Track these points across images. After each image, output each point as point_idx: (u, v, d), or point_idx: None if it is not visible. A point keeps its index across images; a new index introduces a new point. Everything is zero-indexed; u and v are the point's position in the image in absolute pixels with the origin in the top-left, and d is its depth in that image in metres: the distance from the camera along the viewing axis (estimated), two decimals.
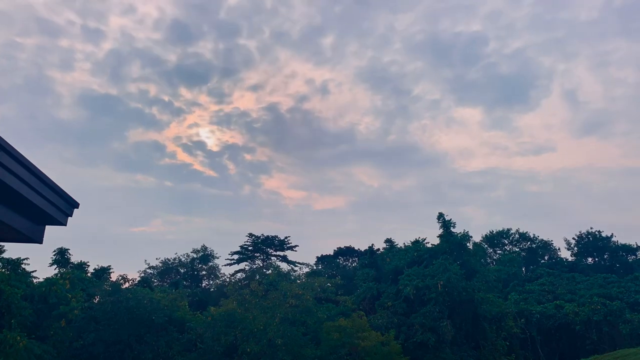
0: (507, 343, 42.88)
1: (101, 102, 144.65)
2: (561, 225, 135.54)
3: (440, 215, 46.57)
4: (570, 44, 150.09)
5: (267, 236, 70.53)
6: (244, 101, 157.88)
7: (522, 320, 46.13)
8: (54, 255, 51.56)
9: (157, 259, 76.62)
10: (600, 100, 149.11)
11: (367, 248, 56.30)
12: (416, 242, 50.66)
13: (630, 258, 75.43)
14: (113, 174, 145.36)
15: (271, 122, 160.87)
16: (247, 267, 68.01)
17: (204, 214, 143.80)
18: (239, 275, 65.75)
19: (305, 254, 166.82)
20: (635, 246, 75.86)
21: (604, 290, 53.13)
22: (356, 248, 76.23)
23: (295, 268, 66.61)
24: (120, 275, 42.55)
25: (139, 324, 35.67)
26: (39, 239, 5.18)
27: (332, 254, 77.06)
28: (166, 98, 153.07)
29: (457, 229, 46.35)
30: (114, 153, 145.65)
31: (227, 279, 66.07)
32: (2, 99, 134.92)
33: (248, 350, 32.41)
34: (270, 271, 54.60)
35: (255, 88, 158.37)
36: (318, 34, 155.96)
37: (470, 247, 47.04)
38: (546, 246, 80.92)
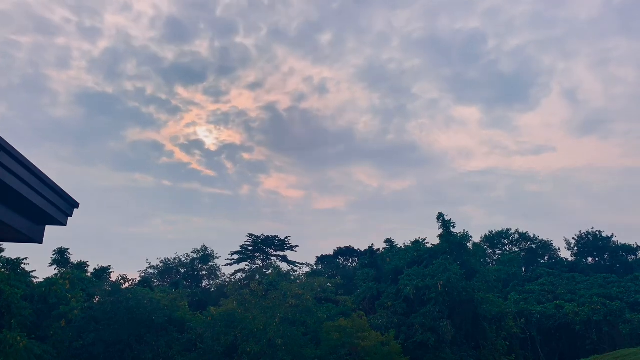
0: (507, 343, 42.88)
1: (98, 101, 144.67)
2: (561, 225, 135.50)
3: (440, 215, 46.57)
4: (570, 42, 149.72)
5: (267, 236, 70.57)
6: (241, 100, 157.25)
7: (522, 320, 46.13)
8: (54, 255, 51.59)
9: (157, 258, 76.73)
10: (600, 99, 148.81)
11: (367, 248, 56.33)
12: (416, 242, 50.67)
13: (630, 258, 75.44)
14: (111, 173, 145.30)
15: (269, 121, 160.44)
16: (247, 267, 68.12)
17: (203, 213, 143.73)
18: (239, 275, 65.82)
19: (305, 254, 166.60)
20: (635, 246, 75.89)
21: (604, 290, 53.14)
22: (356, 248, 76.28)
23: (295, 268, 66.66)
24: (120, 275, 42.56)
25: (139, 324, 35.66)
26: (39, 239, 5.18)
27: (332, 254, 77.07)
28: (163, 96, 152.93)
29: (457, 229, 46.41)
30: (111, 152, 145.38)
31: (227, 279, 66.11)
32: (0, 97, 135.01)
33: (248, 350, 32.41)
34: (270, 271, 54.60)
35: (253, 86, 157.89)
36: (316, 31, 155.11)
37: (470, 247, 47.02)
38: (546, 246, 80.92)
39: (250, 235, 70.49)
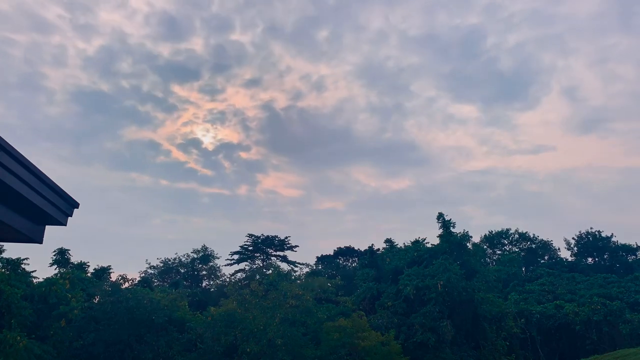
0: (507, 343, 42.88)
1: (94, 99, 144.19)
2: (561, 225, 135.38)
3: (440, 215, 46.57)
4: (570, 39, 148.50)
5: (267, 236, 70.60)
6: (238, 98, 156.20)
7: (522, 320, 46.13)
8: (54, 255, 51.61)
9: (157, 258, 76.82)
10: (600, 97, 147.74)
11: (367, 248, 56.33)
12: (416, 242, 50.67)
13: (630, 258, 75.47)
14: (107, 172, 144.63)
15: (266, 120, 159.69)
16: (247, 267, 68.13)
17: (202, 213, 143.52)
18: (239, 275, 65.81)
19: (305, 254, 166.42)
20: (635, 246, 75.91)
21: (604, 290, 53.15)
22: (356, 248, 76.32)
23: (296, 268, 66.70)
24: (120, 275, 42.53)
25: (139, 324, 35.66)
26: (39, 239, 5.18)
27: (332, 254, 77.10)
28: (159, 94, 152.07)
29: (457, 229, 46.41)
30: (107, 151, 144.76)
31: (227, 279, 66.11)
32: None
33: (248, 350, 32.41)
34: (270, 271, 54.61)
35: (249, 84, 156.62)
36: (313, 27, 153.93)
37: (470, 247, 47.01)
38: (546, 246, 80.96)
39: (250, 235, 70.58)
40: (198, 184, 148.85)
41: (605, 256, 78.39)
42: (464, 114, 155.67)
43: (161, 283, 66.45)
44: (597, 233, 79.43)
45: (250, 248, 70.35)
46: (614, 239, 78.24)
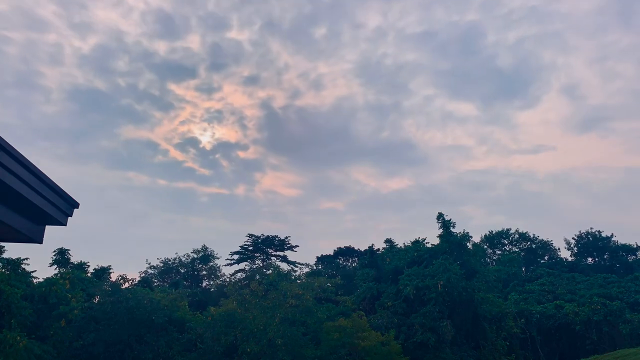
0: (507, 343, 42.88)
1: (90, 98, 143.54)
2: (561, 225, 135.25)
3: (440, 215, 46.56)
4: (570, 36, 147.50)
5: (267, 236, 70.61)
6: (236, 97, 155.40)
7: (522, 320, 46.13)
8: (54, 255, 51.60)
9: (157, 258, 76.83)
10: (600, 95, 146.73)
11: (367, 248, 56.33)
12: (416, 242, 50.66)
13: (630, 258, 75.47)
14: (104, 172, 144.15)
15: (264, 119, 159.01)
16: (247, 267, 68.12)
17: (201, 213, 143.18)
18: (239, 275, 65.80)
19: (305, 254, 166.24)
20: (635, 246, 75.92)
21: (604, 290, 53.15)
22: (356, 248, 76.31)
23: (296, 268, 66.70)
24: (120, 275, 42.55)
25: (139, 324, 35.67)
26: (39, 239, 5.18)
27: (332, 254, 77.11)
28: (156, 93, 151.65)
29: (457, 229, 46.40)
30: (104, 150, 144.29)
31: (227, 279, 66.12)
32: None
33: (248, 350, 32.41)
34: (270, 271, 54.61)
35: (247, 82, 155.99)
36: (310, 25, 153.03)
37: (470, 247, 47.00)
38: (546, 246, 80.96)
39: (250, 235, 70.59)
40: (196, 183, 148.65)
41: (605, 256, 78.40)
42: (463, 113, 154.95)
43: (161, 283, 66.45)
44: (597, 233, 79.45)
45: (250, 248, 70.37)
46: (614, 239, 78.31)
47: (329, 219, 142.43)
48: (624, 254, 76.46)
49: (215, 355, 33.93)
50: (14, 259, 39.00)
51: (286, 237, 71.04)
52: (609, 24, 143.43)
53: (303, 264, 69.57)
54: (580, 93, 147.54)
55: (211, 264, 72.22)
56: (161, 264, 69.89)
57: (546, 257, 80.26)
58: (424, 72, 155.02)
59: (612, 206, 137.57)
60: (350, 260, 76.73)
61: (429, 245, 48.73)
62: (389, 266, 47.83)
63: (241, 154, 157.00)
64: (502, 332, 43.20)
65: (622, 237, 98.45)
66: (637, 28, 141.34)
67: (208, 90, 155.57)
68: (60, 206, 5.01)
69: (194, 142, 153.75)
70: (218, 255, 72.40)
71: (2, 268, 37.52)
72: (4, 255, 38.70)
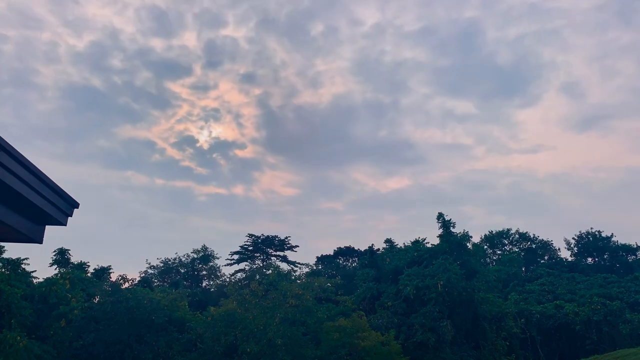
0: (507, 343, 42.88)
1: (87, 97, 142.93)
2: (561, 225, 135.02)
3: (440, 215, 46.56)
4: (570, 33, 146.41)
5: (267, 236, 70.63)
6: (232, 95, 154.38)
7: (522, 320, 46.14)
8: (54, 255, 51.60)
9: (157, 258, 76.86)
10: (600, 94, 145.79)
11: (367, 248, 56.34)
12: (416, 242, 50.67)
13: (630, 258, 75.49)
14: (102, 171, 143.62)
15: (262, 117, 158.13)
16: (247, 267, 68.15)
17: (199, 212, 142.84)
18: (239, 275, 65.84)
19: (305, 254, 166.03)
20: (635, 246, 75.93)
21: (604, 290, 53.16)
22: (356, 248, 76.32)
23: (295, 268, 66.71)
24: (120, 275, 42.55)
25: (139, 324, 35.67)
26: (39, 239, 5.18)
27: (332, 254, 77.12)
28: (153, 91, 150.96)
29: (457, 229, 46.39)
30: (102, 149, 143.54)
31: (227, 279, 66.13)
32: None
33: (248, 350, 32.41)
34: (270, 271, 54.61)
35: (244, 80, 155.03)
36: (307, 21, 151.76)
37: (470, 247, 47.00)
38: (546, 246, 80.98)
39: (250, 235, 70.62)
40: (194, 182, 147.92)
41: (605, 256, 78.41)
42: (462, 111, 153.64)
43: (161, 283, 66.45)
44: (597, 233, 79.46)
45: (250, 248, 70.39)
46: (614, 239, 78.33)
47: (328, 219, 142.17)
48: (624, 254, 76.47)
49: (215, 355, 33.93)
50: (14, 259, 39.00)
51: (286, 237, 71.13)
52: (609, 21, 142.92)
53: (303, 264, 69.67)
54: (580, 91, 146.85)
55: (211, 264, 72.23)
56: (161, 264, 69.90)
57: (546, 257, 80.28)
58: (422, 69, 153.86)
59: (612, 206, 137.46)
60: (350, 260, 76.74)
61: (429, 245, 48.74)
62: (389, 266, 47.82)
63: (239, 153, 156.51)
64: (502, 332, 43.21)
65: (622, 237, 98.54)
66: (637, 26, 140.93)
67: (204, 88, 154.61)
68: (60, 206, 5.01)
69: (191, 140, 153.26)
70: (218, 255, 72.48)
71: (2, 268, 37.51)
72: (4, 255, 38.70)
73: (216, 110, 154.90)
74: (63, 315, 35.85)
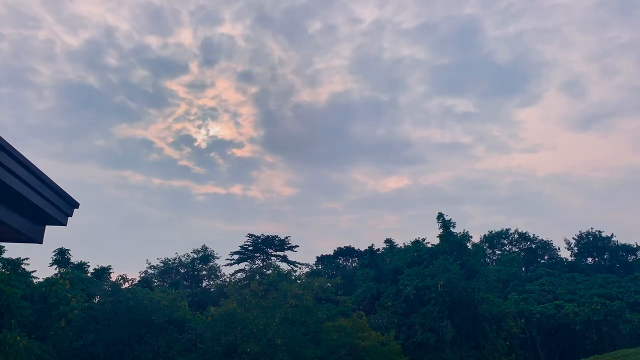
0: (507, 343, 42.88)
1: (83, 96, 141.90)
2: (561, 225, 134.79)
3: (440, 215, 46.56)
4: (570, 31, 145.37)
5: (267, 236, 70.64)
6: (230, 93, 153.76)
7: (522, 320, 46.13)
8: (54, 255, 51.63)
9: (157, 258, 76.86)
10: (600, 92, 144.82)
11: (367, 248, 56.34)
12: (416, 242, 50.68)
13: (630, 258, 75.49)
14: (100, 170, 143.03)
15: (260, 116, 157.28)
16: (247, 267, 68.15)
17: (198, 212, 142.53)
18: (239, 275, 65.84)
19: (305, 254, 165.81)
20: (635, 246, 75.93)
21: (604, 290, 53.16)
22: (356, 248, 76.33)
23: (295, 268, 66.71)
24: (120, 275, 42.54)
25: (139, 324, 35.67)
26: (39, 239, 5.18)
27: (332, 254, 77.13)
28: (150, 90, 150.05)
29: (457, 229, 46.39)
30: (99, 149, 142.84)
31: (227, 279, 66.13)
32: None
33: (248, 350, 32.41)
34: (270, 271, 54.61)
35: (241, 78, 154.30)
36: (305, 19, 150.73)
37: (470, 247, 47.00)
38: (546, 246, 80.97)
39: (250, 235, 70.64)
40: (192, 182, 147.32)
41: (605, 256, 78.42)
42: (461, 109, 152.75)
43: (161, 283, 66.44)
44: (597, 233, 79.46)
45: (250, 248, 70.40)
46: (614, 239, 78.33)
47: (328, 218, 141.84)
48: (624, 254, 76.47)
49: (215, 355, 33.93)
50: (14, 259, 38.99)
51: (286, 237, 71.15)
52: (609, 19, 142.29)
53: (303, 264, 69.68)
54: (580, 90, 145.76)
55: (211, 264, 72.24)
56: (161, 264, 69.91)
57: (546, 257, 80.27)
58: (421, 67, 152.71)
59: (613, 206, 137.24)
60: (350, 260, 76.74)
61: (429, 245, 48.75)
62: (389, 266, 47.83)
63: (237, 152, 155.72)
64: (502, 332, 43.20)
65: (622, 237, 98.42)
66: (638, 23, 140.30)
67: (201, 86, 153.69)
68: (60, 206, 5.01)
69: (188, 139, 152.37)
70: (218, 255, 72.49)
71: (2, 268, 37.51)
72: (4, 255, 38.69)
73: (214, 109, 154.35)
74: (63, 315, 35.85)
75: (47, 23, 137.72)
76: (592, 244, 79.27)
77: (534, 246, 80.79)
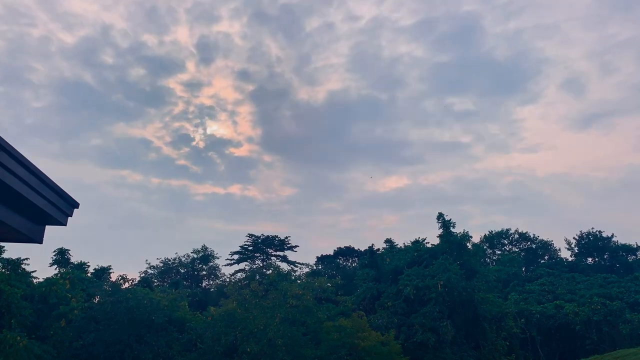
0: (507, 343, 42.87)
1: (80, 94, 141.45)
2: (561, 225, 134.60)
3: (440, 215, 46.56)
4: (571, 28, 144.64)
5: (267, 236, 70.65)
6: (227, 92, 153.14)
7: (522, 320, 46.13)
8: (54, 255, 51.65)
9: (157, 258, 76.82)
10: (601, 91, 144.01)
11: (367, 248, 56.34)
12: (416, 242, 50.69)
13: (630, 258, 75.50)
14: (98, 170, 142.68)
15: (257, 115, 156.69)
16: (247, 267, 68.12)
17: (197, 212, 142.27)
18: (239, 275, 65.80)
19: (305, 254, 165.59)
20: (635, 246, 75.94)
21: (604, 290, 53.16)
22: (356, 248, 76.35)
23: (296, 268, 66.73)
24: (120, 275, 42.54)
25: (139, 324, 35.67)
26: (39, 239, 5.18)
27: (332, 254, 77.13)
28: (146, 88, 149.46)
29: (457, 229, 46.40)
30: (97, 148, 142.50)
31: (227, 279, 66.12)
32: None
33: (248, 350, 32.41)
34: (270, 271, 54.59)
35: (238, 77, 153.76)
36: (302, 16, 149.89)
37: (470, 247, 46.99)
38: (546, 246, 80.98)
39: (250, 235, 70.65)
40: (190, 181, 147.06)
41: (605, 256, 78.41)
42: (460, 108, 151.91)
43: (161, 283, 66.43)
44: (597, 233, 79.46)
45: (250, 248, 70.40)
46: (614, 239, 78.33)
47: (328, 218, 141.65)
48: (624, 254, 76.47)
49: (215, 355, 33.92)
50: (14, 259, 38.98)
51: (286, 237, 71.16)
52: (610, 15, 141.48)
53: (303, 264, 69.69)
54: (580, 88, 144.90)
55: (211, 264, 72.26)
56: (161, 264, 69.91)
57: (546, 257, 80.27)
58: (419, 65, 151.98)
59: (613, 205, 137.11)
60: (350, 260, 76.75)
61: (429, 246, 48.76)
62: (389, 266, 47.83)
63: (234, 152, 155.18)
64: (502, 332, 43.19)
65: (622, 237, 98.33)
66: (638, 19, 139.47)
67: (198, 85, 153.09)
68: (60, 206, 5.01)
69: (186, 139, 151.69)
70: (218, 255, 72.49)
71: (2, 268, 37.50)
72: (4, 255, 38.68)
73: (211, 107, 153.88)
74: (63, 315, 35.85)
75: (42, 20, 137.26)
76: (592, 244, 79.26)
77: (534, 246, 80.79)
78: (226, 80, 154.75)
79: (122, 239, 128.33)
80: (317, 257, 77.43)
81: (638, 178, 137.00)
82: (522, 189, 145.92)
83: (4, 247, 38.61)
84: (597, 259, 79.03)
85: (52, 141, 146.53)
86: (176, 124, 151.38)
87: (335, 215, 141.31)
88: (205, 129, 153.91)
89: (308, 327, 36.25)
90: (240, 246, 70.23)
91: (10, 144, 4.02)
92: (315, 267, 73.15)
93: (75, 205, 5.26)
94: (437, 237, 46.95)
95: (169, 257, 70.66)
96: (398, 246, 54.86)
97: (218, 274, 71.94)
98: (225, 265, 73.49)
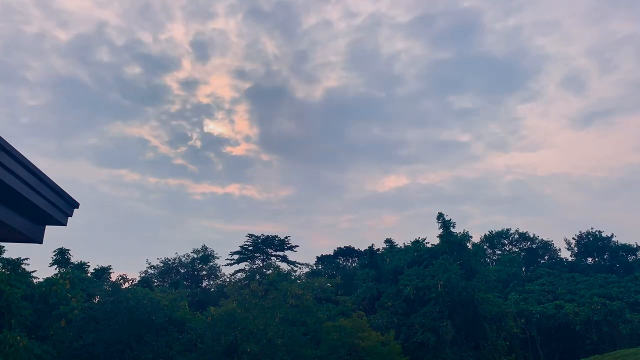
0: (507, 343, 42.87)
1: (77, 93, 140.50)
2: (561, 224, 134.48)
3: (440, 215, 46.55)
4: (571, 25, 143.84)
5: (267, 236, 70.61)
6: (224, 90, 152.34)
7: (522, 320, 46.13)
8: (54, 255, 51.63)
9: (157, 258, 76.81)
10: (601, 89, 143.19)
11: (367, 248, 56.34)
12: (416, 242, 50.69)
13: (630, 258, 75.51)
14: (95, 169, 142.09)
15: (254, 113, 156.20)
16: (247, 267, 68.09)
17: (195, 211, 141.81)
18: (239, 275, 65.77)
19: (305, 254, 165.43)
20: (635, 246, 75.95)
21: (604, 290, 53.16)
22: (356, 248, 76.33)
23: (295, 268, 66.72)
24: (120, 275, 42.57)
25: (139, 324, 35.67)
26: (39, 239, 5.18)
27: (332, 254, 77.11)
28: (143, 87, 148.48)
29: (457, 228, 46.39)
30: (94, 147, 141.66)
31: (227, 279, 66.12)
32: None
33: (248, 350, 32.41)
34: (270, 271, 54.58)
35: (235, 75, 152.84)
36: (299, 13, 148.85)
37: (470, 247, 46.98)
38: (546, 246, 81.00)
39: (250, 235, 70.61)
40: (188, 180, 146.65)
41: (605, 256, 78.43)
42: (459, 106, 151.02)
43: (161, 283, 66.43)
44: (597, 233, 79.47)
45: (250, 248, 70.37)
46: (614, 239, 78.37)
47: (327, 218, 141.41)
48: (624, 254, 76.48)
49: (215, 355, 33.92)
50: (14, 259, 38.97)
51: (286, 237, 71.10)
52: (610, 12, 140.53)
53: (303, 264, 69.66)
54: (580, 86, 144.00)
55: (211, 264, 72.25)
56: (161, 264, 69.91)
57: (546, 257, 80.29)
58: (418, 62, 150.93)
59: (613, 205, 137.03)
60: (350, 260, 76.73)
61: (429, 245, 48.76)
62: (389, 266, 47.83)
63: (232, 151, 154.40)
64: (502, 332, 43.18)
65: (622, 237, 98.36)
66: (639, 17, 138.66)
67: (195, 83, 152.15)
68: (60, 206, 5.01)
69: (183, 138, 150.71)
70: (218, 255, 72.49)
71: (2, 268, 37.50)
72: (4, 255, 38.68)
73: (208, 106, 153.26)
74: (63, 315, 35.85)
75: (36, 17, 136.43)
76: (592, 244, 79.27)
77: (534, 246, 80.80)
78: (223, 78, 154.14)
79: (122, 239, 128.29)
80: (317, 257, 77.50)
81: (638, 178, 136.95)
82: (522, 189, 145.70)
83: (4, 247, 38.62)
84: (597, 259, 79.05)
85: (49, 140, 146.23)
86: (173, 123, 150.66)
87: (334, 215, 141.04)
88: (202, 128, 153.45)
89: (308, 327, 36.24)
90: (240, 246, 70.24)
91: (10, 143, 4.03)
92: (315, 267, 73.15)
93: (75, 205, 5.26)
94: (437, 237, 46.99)
95: (169, 257, 70.74)
96: (398, 246, 54.87)
97: (218, 274, 71.98)
98: (225, 265, 73.48)
